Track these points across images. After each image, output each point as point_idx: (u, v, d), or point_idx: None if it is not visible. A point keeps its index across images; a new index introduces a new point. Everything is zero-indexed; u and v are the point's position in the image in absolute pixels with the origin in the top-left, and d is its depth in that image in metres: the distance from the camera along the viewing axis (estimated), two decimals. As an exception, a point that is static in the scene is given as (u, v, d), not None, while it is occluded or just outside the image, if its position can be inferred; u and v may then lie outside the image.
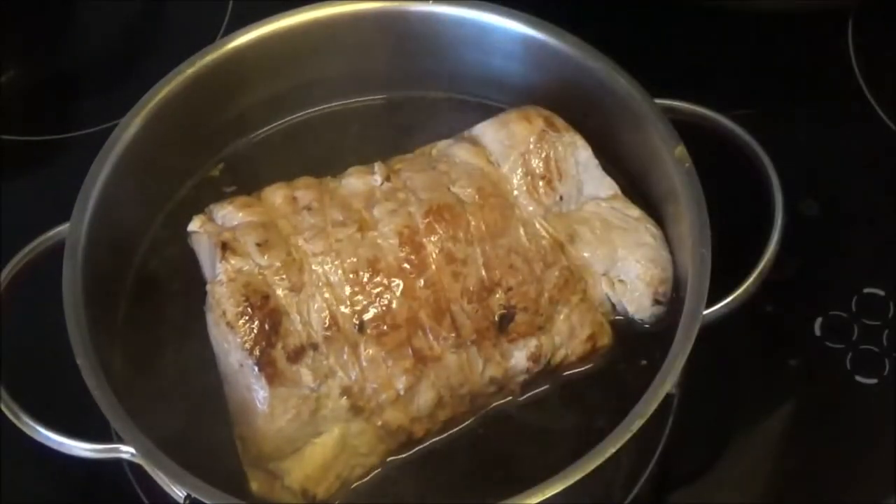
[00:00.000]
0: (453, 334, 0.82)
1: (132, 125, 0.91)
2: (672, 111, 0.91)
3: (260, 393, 0.79)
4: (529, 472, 0.78)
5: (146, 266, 0.93)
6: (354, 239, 0.82)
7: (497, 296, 0.83)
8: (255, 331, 0.79)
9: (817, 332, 0.96)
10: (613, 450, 0.75)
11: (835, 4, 1.14)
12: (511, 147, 0.88)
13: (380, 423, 0.82)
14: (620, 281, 0.87)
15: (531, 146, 0.88)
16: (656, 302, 0.87)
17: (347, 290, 0.81)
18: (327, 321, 0.80)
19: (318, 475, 0.81)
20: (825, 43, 1.13)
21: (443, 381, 0.82)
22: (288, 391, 0.79)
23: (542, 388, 0.87)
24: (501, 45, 0.97)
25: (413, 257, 0.82)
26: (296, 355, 0.79)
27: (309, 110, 1.02)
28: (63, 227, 0.86)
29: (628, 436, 0.75)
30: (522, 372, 0.85)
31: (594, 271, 0.87)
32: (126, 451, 0.79)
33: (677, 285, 0.88)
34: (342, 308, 0.81)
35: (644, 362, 0.84)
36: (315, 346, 0.80)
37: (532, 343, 0.84)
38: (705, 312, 0.81)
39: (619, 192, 0.91)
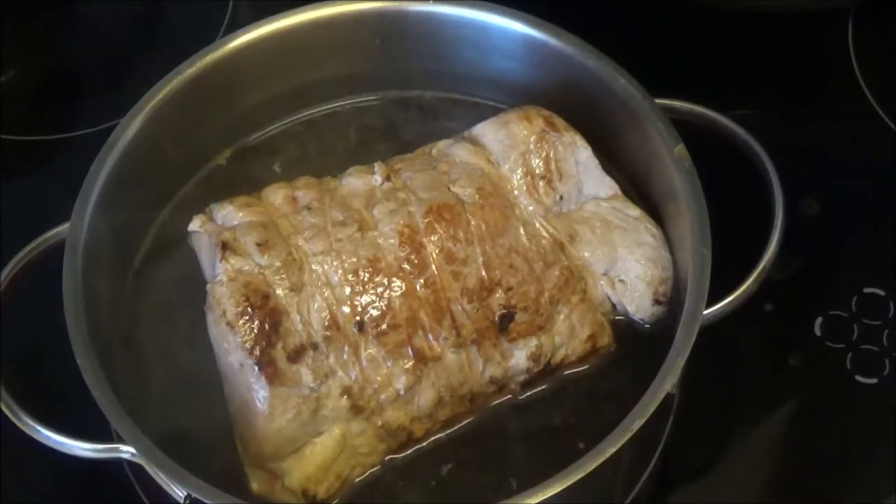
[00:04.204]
0: (453, 334, 0.82)
1: (132, 125, 0.91)
2: (672, 111, 0.91)
3: (260, 393, 0.79)
4: (529, 472, 0.78)
5: (146, 266, 0.93)
6: (354, 239, 0.82)
7: (497, 295, 0.83)
8: (255, 331, 0.79)
9: (817, 332, 0.96)
10: (613, 450, 0.75)
11: (835, 4, 1.14)
12: (511, 147, 0.88)
13: (380, 422, 0.82)
14: (620, 281, 0.87)
15: (531, 146, 0.88)
16: (656, 302, 0.87)
17: (347, 289, 0.81)
18: (327, 321, 0.80)
19: (319, 475, 0.81)
20: (825, 43, 1.13)
21: (443, 380, 0.82)
22: (288, 391, 0.79)
23: (542, 388, 0.87)
24: (501, 45, 0.97)
25: (413, 257, 0.82)
26: (296, 355, 0.79)
27: (309, 110, 1.02)
28: (63, 227, 0.86)
29: (628, 436, 0.75)
30: (522, 372, 0.85)
31: (594, 271, 0.87)
32: (126, 451, 0.79)
33: (677, 285, 0.88)
34: (342, 308, 0.81)
35: (644, 362, 0.84)
36: (315, 346, 0.80)
37: (532, 343, 0.84)
38: (705, 312, 0.81)
39: (619, 191, 0.91)
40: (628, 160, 0.94)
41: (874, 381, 0.94)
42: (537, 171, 0.88)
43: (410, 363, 0.81)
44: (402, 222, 0.83)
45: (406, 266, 0.82)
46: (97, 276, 0.86)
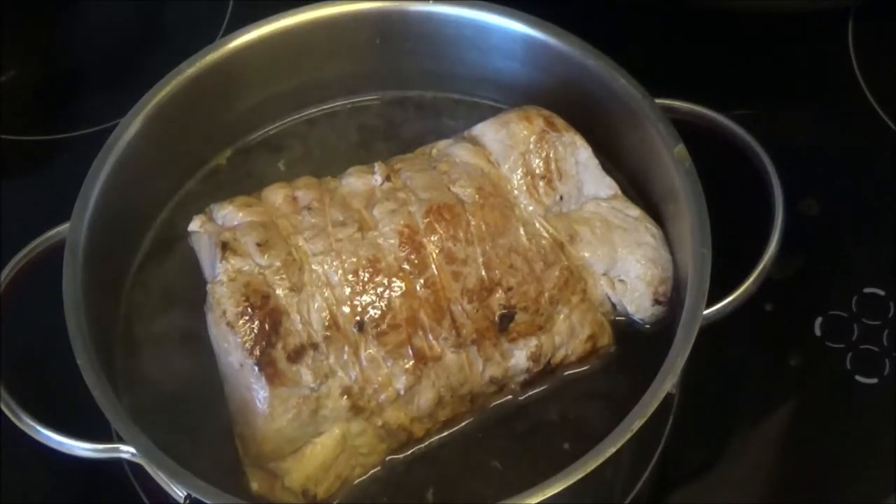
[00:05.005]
0: (453, 334, 0.82)
1: (132, 125, 0.91)
2: (672, 111, 0.91)
3: (260, 393, 0.79)
4: (529, 472, 0.78)
5: (146, 265, 0.93)
6: (354, 239, 0.82)
7: (497, 295, 0.83)
8: (255, 331, 0.79)
9: (817, 332, 0.96)
10: (613, 450, 0.75)
11: (835, 4, 1.14)
12: (511, 147, 0.88)
13: (380, 422, 0.82)
14: (620, 281, 0.87)
15: (531, 146, 0.88)
16: (656, 302, 0.87)
17: (347, 289, 0.81)
18: (327, 321, 0.80)
19: (319, 475, 0.81)
20: (825, 43, 1.13)
21: (443, 380, 0.82)
22: (288, 391, 0.79)
23: (542, 388, 0.87)
24: (501, 45, 0.97)
25: (413, 257, 0.82)
26: (296, 355, 0.79)
27: (309, 110, 1.02)
28: (63, 227, 0.86)
29: (628, 436, 0.75)
30: (522, 372, 0.85)
31: (594, 271, 0.87)
32: (126, 451, 0.79)
33: (677, 285, 0.88)
34: (342, 308, 0.81)
35: (644, 362, 0.84)
36: (315, 346, 0.80)
37: (532, 343, 0.84)
38: (705, 312, 0.81)
39: (619, 191, 0.91)
40: (628, 160, 0.94)
41: (874, 381, 0.94)
42: (537, 171, 0.88)
43: (410, 363, 0.81)
44: (402, 222, 0.83)
45: (406, 266, 0.82)
46: (97, 276, 0.86)
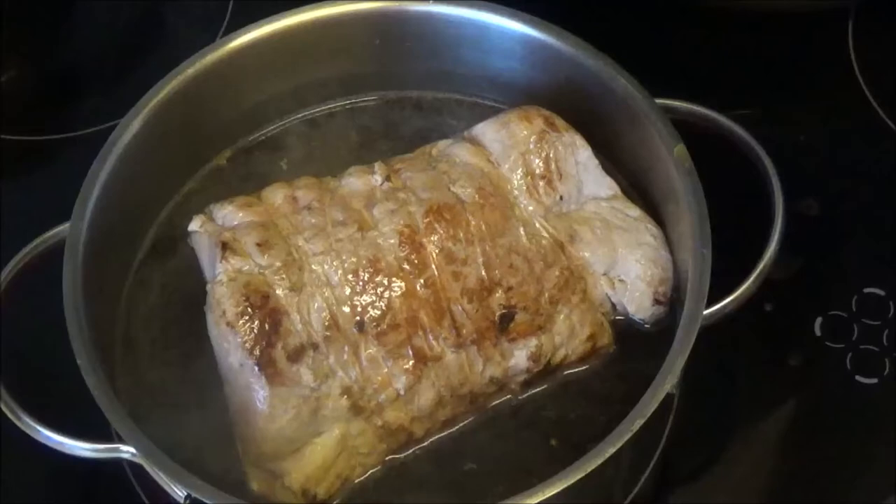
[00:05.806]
0: (453, 334, 0.82)
1: (132, 125, 0.91)
2: (672, 111, 0.91)
3: (260, 393, 0.79)
4: (529, 471, 0.78)
5: (146, 265, 0.93)
6: (354, 239, 0.82)
7: (497, 295, 0.83)
8: (255, 331, 0.79)
9: (817, 332, 0.96)
10: (613, 450, 0.75)
11: (835, 4, 1.14)
12: (511, 147, 0.88)
13: (380, 422, 0.82)
14: (621, 281, 0.87)
15: (531, 146, 0.88)
16: (656, 302, 0.87)
17: (347, 289, 0.81)
18: (327, 321, 0.80)
19: (319, 475, 0.81)
20: (825, 43, 1.13)
21: (443, 380, 0.82)
22: (288, 391, 0.79)
23: (542, 388, 0.87)
24: (501, 45, 0.97)
25: (413, 257, 0.82)
26: (296, 355, 0.79)
27: (309, 110, 1.02)
28: (63, 227, 0.86)
29: (628, 436, 0.75)
30: (522, 372, 0.85)
31: (594, 271, 0.87)
32: (126, 451, 0.79)
33: (677, 285, 0.88)
34: (342, 308, 0.81)
35: (644, 362, 0.84)
36: (315, 346, 0.80)
37: (532, 343, 0.84)
38: (705, 312, 0.81)
39: (619, 191, 0.91)
40: (628, 160, 0.94)
41: (874, 381, 0.94)
42: (537, 171, 0.88)
43: (410, 363, 0.81)
44: (402, 222, 0.83)
45: (406, 266, 0.82)
46: (97, 276, 0.86)
